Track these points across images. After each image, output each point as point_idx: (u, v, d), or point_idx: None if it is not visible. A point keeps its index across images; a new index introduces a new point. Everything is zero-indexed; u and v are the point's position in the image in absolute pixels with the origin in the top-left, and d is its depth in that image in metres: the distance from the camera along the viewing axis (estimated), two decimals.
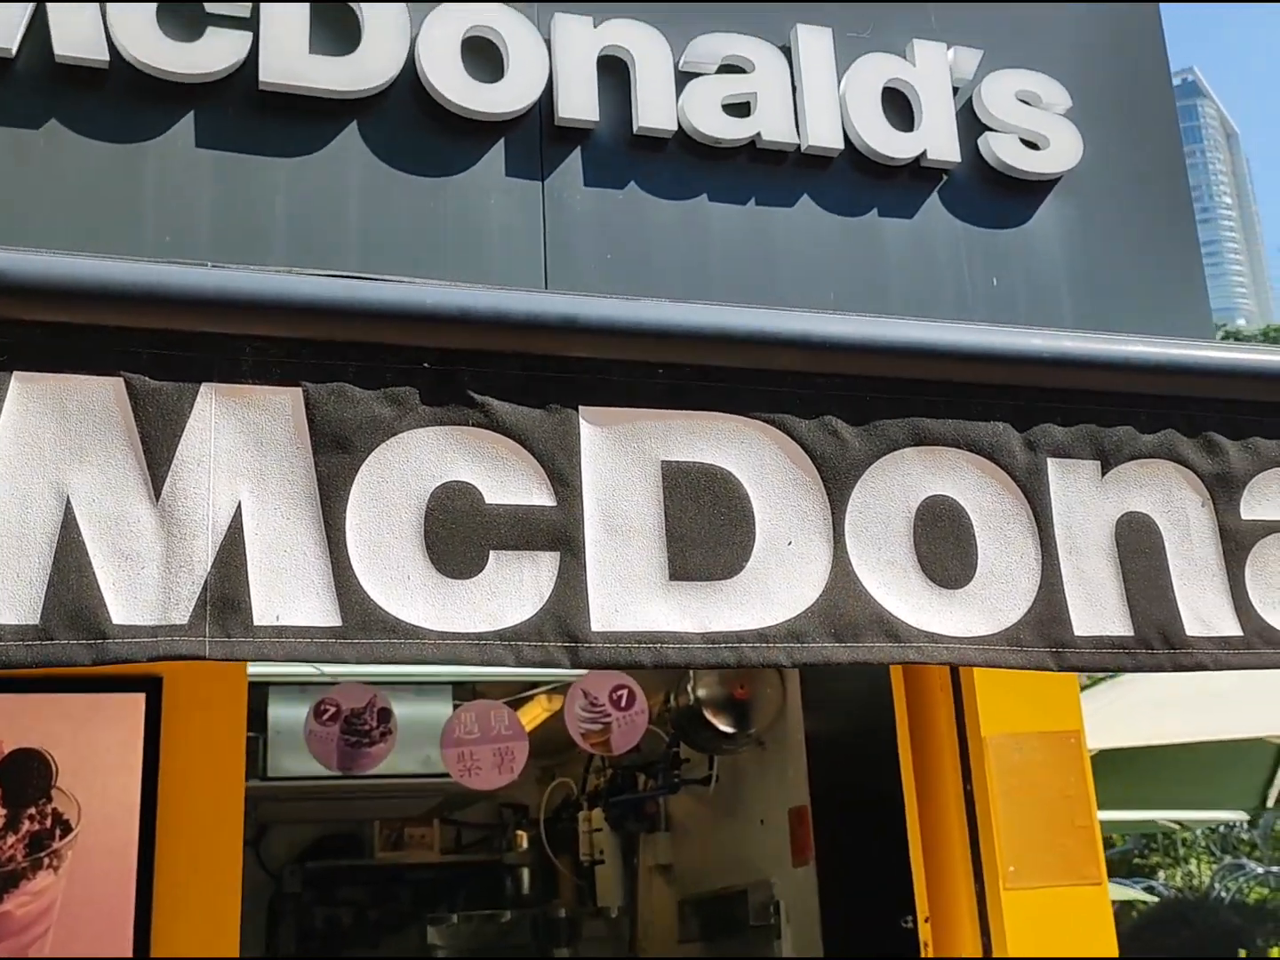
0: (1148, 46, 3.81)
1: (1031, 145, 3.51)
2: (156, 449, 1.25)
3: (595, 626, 1.35)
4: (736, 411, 1.45)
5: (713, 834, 5.93)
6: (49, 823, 3.16)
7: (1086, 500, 1.56)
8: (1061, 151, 3.51)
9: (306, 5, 3.06)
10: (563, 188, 3.18)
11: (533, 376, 1.39)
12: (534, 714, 5.69)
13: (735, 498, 1.44)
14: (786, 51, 3.39)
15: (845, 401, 1.50)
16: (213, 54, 2.99)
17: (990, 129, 3.50)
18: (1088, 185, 3.56)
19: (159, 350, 1.28)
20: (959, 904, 3.91)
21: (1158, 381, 1.61)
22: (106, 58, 2.92)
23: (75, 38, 2.91)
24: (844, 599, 1.46)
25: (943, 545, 1.52)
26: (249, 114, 3.03)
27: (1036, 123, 3.52)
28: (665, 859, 6.38)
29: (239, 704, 3.41)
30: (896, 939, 4.08)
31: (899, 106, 3.45)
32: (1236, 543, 1.65)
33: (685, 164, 3.27)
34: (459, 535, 1.35)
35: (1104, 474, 1.60)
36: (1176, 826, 12.69)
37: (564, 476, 1.37)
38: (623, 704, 4.58)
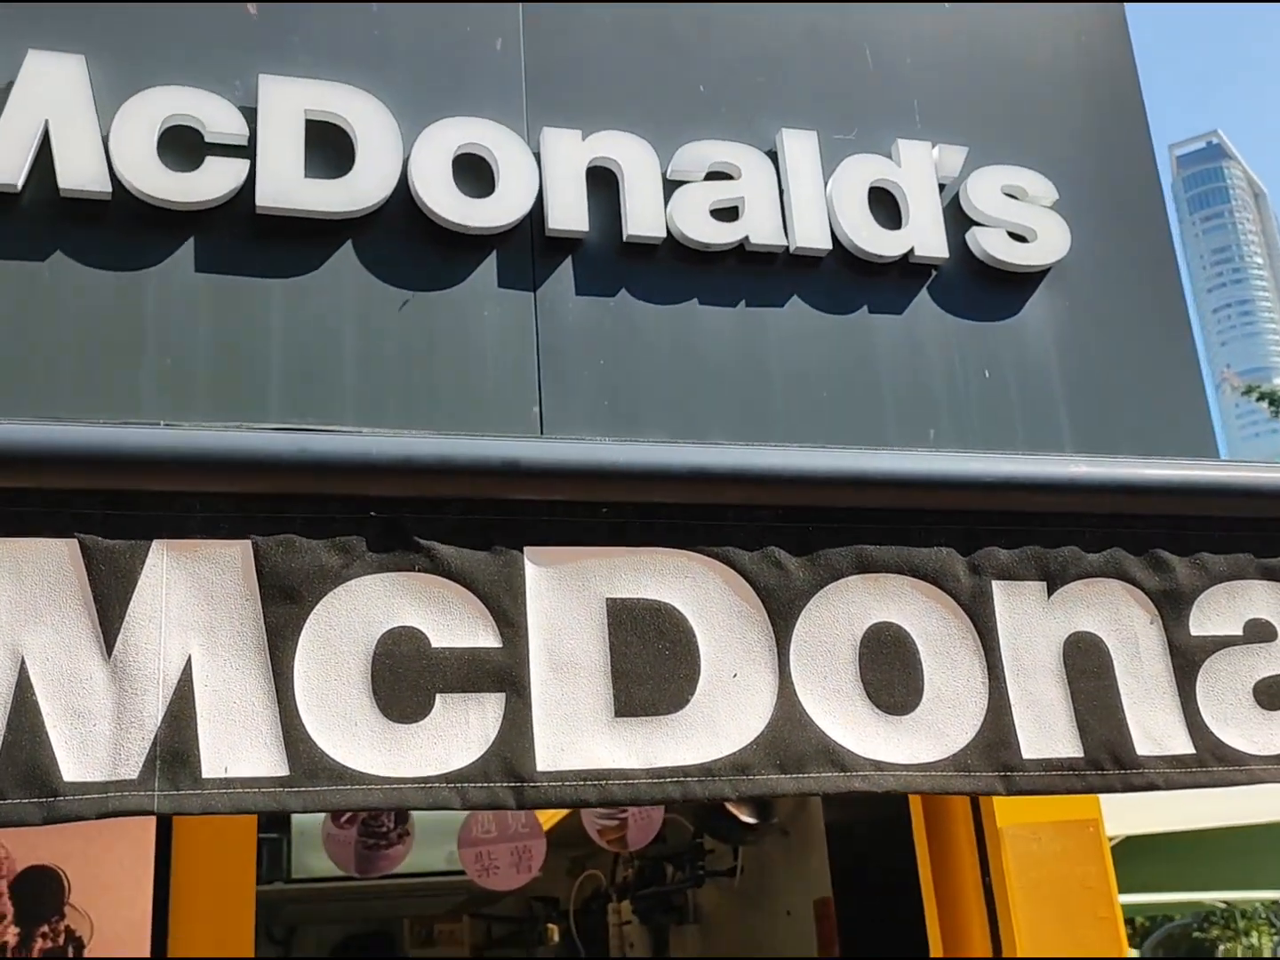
0: (1133, 136, 3.86)
1: (1019, 238, 3.56)
2: (109, 607, 1.30)
3: (540, 766, 1.37)
4: (680, 546, 1.48)
5: (741, 926, 5.87)
6: (62, 940, 3.18)
7: (1033, 622, 1.56)
8: (1049, 244, 3.56)
9: (302, 130, 3.16)
10: (555, 297, 3.24)
11: (477, 520, 1.43)
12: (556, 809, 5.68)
13: (680, 632, 1.46)
14: (773, 155, 3.47)
15: (787, 532, 1.53)
16: (211, 181, 3.08)
17: (977, 224, 3.55)
18: (1077, 276, 3.60)
19: (110, 510, 1.33)
20: None
21: (1102, 501, 1.63)
22: (109, 189, 3.02)
23: (79, 171, 3.01)
24: (789, 729, 1.46)
25: (889, 672, 1.52)
26: (246, 238, 3.11)
27: (1023, 216, 3.57)
28: (695, 952, 6.31)
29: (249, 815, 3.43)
30: None
31: (886, 205, 3.51)
32: (1187, 659, 1.64)
33: (675, 269, 3.34)
34: (405, 680, 1.38)
35: (1050, 594, 1.60)
36: (1223, 905, 12.42)
37: (509, 617, 1.40)
38: None
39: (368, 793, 1.35)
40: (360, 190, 3.16)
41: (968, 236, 3.54)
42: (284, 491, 1.36)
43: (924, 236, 3.47)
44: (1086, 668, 1.60)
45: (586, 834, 5.39)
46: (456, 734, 1.37)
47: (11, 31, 3.10)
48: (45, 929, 3.17)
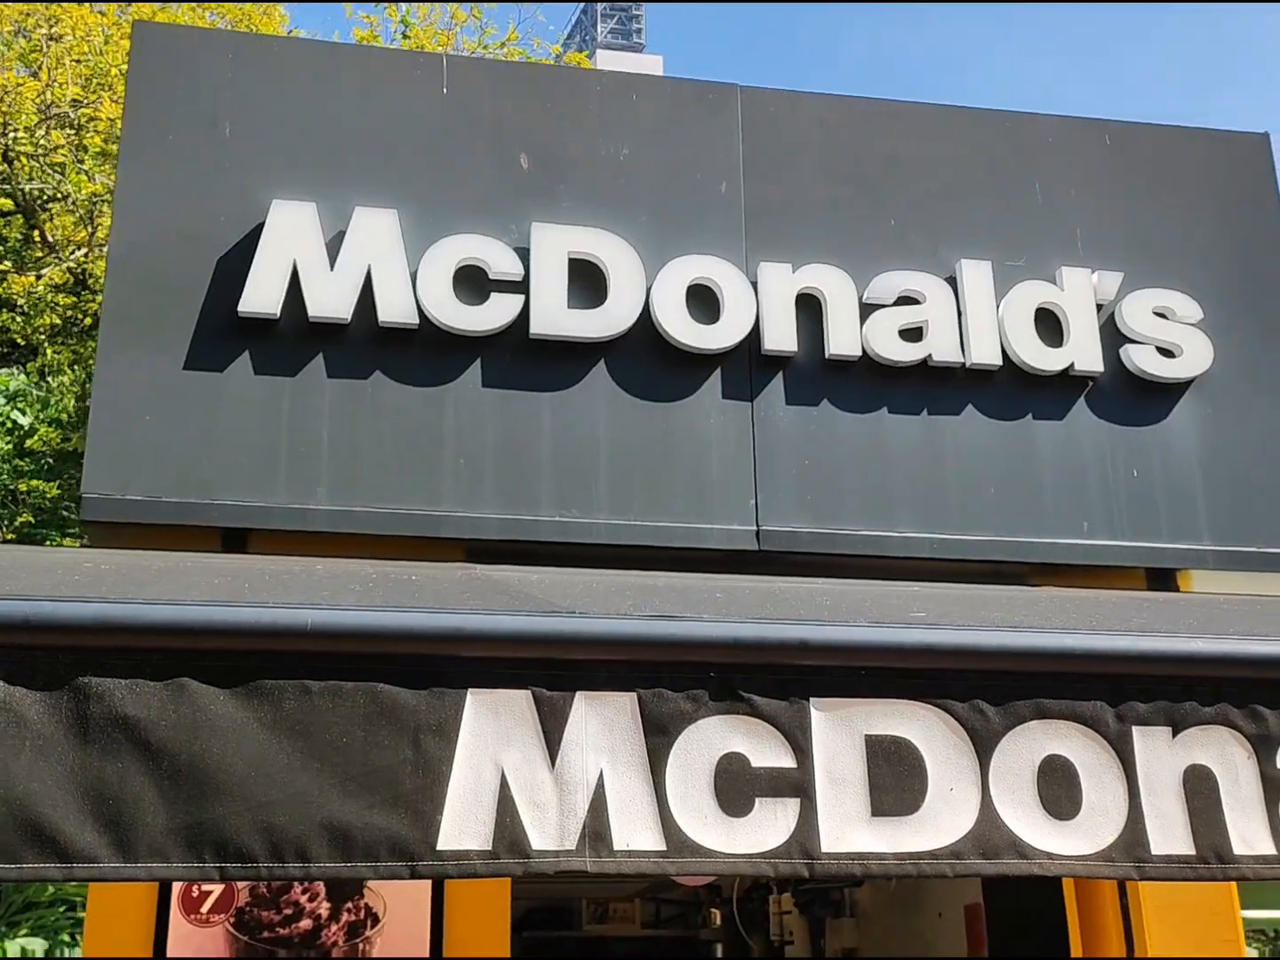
0: (1275, 258, 4.36)
1: (1167, 353, 4.11)
2: (552, 736, 2.01)
3: (824, 849, 2.05)
4: (914, 698, 2.15)
5: (895, 924, 6.47)
6: (362, 915, 3.97)
7: (1162, 757, 2.20)
8: (1194, 358, 4.10)
9: (565, 268, 3.87)
10: (768, 407, 3.91)
11: (780, 679, 2.11)
12: None
13: (914, 758, 2.13)
14: (952, 282, 4.07)
15: (988, 689, 2.18)
16: (495, 312, 3.82)
17: (1130, 340, 4.11)
18: (1219, 386, 4.13)
19: (549, 672, 2.04)
20: None
21: (1215, 668, 2.24)
22: (416, 321, 3.77)
23: (394, 306, 3.76)
24: (989, 829, 2.12)
25: (1058, 789, 2.16)
26: (521, 359, 3.84)
27: (1171, 334, 4.12)
28: (851, 943, 6.92)
29: None
30: None
31: (1050, 325, 4.09)
32: (1274, 786, 2.25)
33: (868, 383, 3.97)
34: (736, 788, 2.06)
35: (1174, 736, 2.24)
36: None
37: (801, 747, 2.08)
38: None
39: (714, 863, 2.04)
40: (612, 318, 3.86)
41: (1121, 352, 4.10)
42: (655, 660, 2.06)
43: (1083, 353, 4.05)
44: (1200, 790, 2.22)
45: None
46: (769, 826, 2.05)
47: (340, 192, 3.86)
48: (349, 905, 3.96)
